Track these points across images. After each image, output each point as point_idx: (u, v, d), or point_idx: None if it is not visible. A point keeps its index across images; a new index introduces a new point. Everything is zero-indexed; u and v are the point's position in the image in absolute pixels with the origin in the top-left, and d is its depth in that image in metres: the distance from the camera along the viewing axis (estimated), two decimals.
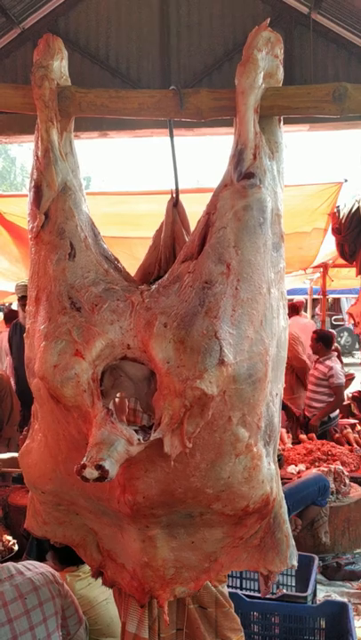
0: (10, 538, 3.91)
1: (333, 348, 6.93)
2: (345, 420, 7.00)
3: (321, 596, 3.83)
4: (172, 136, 1.86)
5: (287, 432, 6.31)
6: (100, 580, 1.89)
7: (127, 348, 1.50)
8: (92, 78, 5.16)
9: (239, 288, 1.49)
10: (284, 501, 1.69)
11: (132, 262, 1.93)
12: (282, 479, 1.70)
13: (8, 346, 6.58)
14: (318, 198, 6.20)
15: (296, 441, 6.10)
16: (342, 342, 18.10)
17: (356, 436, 6.30)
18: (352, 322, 7.67)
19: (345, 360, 16.51)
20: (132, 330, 1.50)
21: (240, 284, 1.49)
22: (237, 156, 1.57)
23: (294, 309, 8.46)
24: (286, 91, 1.64)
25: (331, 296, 16.20)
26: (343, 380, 6.69)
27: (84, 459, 1.31)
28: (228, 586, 2.24)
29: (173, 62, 5.17)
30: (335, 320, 18.23)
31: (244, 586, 3.58)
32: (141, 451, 1.41)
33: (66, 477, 1.65)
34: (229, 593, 2.16)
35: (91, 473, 1.29)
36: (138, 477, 1.50)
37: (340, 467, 5.02)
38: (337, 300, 18.26)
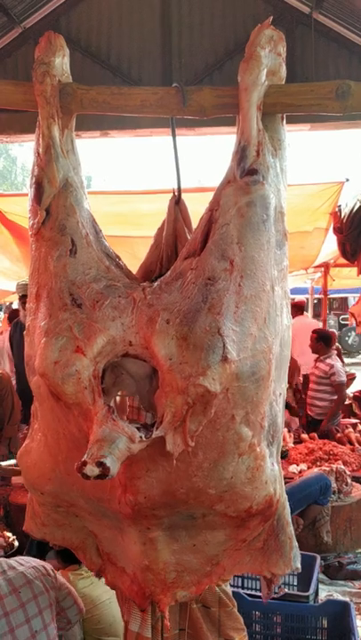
0: (10, 534, 3.91)
1: (334, 347, 6.92)
2: (347, 420, 6.99)
3: (323, 596, 3.83)
4: (174, 134, 1.84)
5: (288, 432, 6.30)
6: (102, 580, 1.87)
7: (129, 345, 1.47)
8: (94, 78, 5.17)
9: (242, 285, 1.47)
10: (287, 503, 1.67)
11: (133, 262, 1.91)
12: (283, 479, 1.68)
13: (9, 345, 6.59)
14: (320, 198, 6.20)
15: (298, 440, 6.10)
16: (350, 342, 17.84)
17: (358, 435, 6.29)
18: (354, 321, 7.66)
19: (353, 360, 16.39)
20: (133, 326, 1.47)
21: (243, 281, 1.47)
22: (240, 153, 1.56)
23: (298, 309, 8.43)
24: (289, 88, 1.63)
25: (338, 295, 16.03)
26: (345, 377, 6.69)
27: (85, 456, 1.29)
28: (230, 585, 2.23)
29: (175, 62, 5.18)
30: (343, 319, 17.81)
31: (245, 585, 3.57)
32: (143, 449, 1.39)
33: (66, 477, 1.62)
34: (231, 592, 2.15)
35: (92, 470, 1.27)
36: (139, 477, 1.48)
37: (342, 466, 5.02)
38: (344, 300, 17.91)
